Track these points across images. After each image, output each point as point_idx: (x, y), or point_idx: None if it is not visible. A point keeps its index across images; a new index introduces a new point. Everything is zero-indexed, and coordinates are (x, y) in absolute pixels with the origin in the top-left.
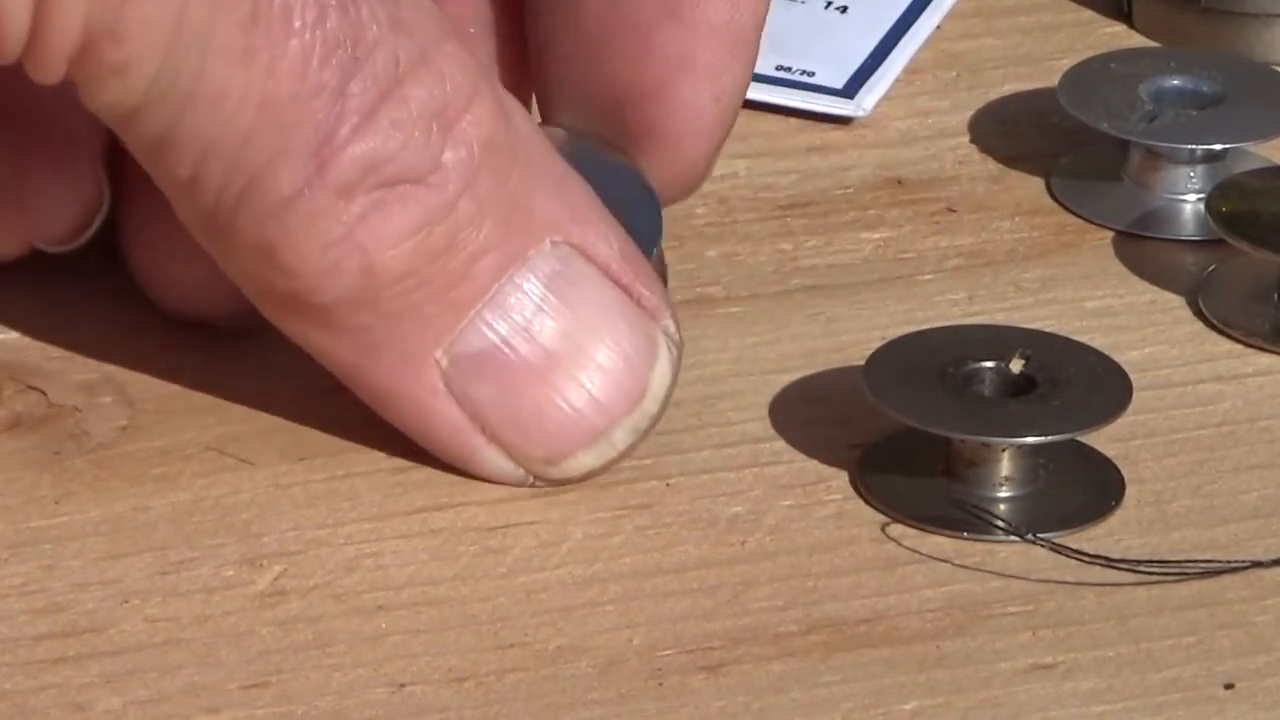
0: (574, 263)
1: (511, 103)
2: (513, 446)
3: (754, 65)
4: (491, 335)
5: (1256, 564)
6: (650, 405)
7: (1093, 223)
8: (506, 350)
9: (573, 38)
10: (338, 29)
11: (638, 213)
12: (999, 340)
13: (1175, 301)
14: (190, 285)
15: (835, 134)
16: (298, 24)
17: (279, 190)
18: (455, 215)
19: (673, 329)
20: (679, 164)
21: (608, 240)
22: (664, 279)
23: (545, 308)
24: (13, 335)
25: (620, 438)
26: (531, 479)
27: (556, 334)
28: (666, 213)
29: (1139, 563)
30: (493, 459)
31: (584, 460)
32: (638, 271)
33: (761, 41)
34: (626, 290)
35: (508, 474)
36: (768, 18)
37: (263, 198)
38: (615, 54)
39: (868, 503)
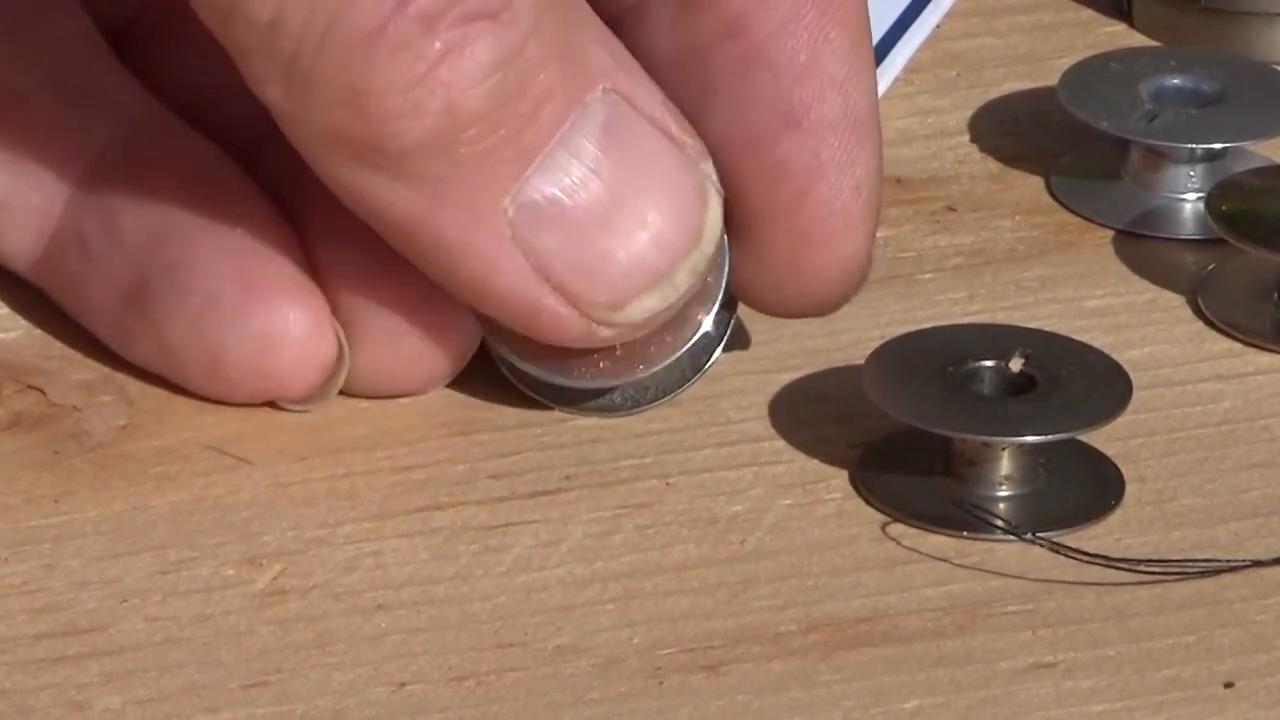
0: (624, 110)
1: None
2: (577, 294)
3: (881, 145)
4: (556, 183)
5: (1257, 563)
6: (707, 246)
7: (1093, 222)
8: (570, 198)
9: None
10: None
11: None
12: (999, 339)
13: (1175, 300)
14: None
15: None
16: None
17: (363, 24)
18: (525, 55)
19: (714, 174)
20: (838, 265)
21: (650, 91)
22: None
23: (604, 154)
24: (13, 335)
25: (681, 279)
26: (594, 328)
27: (616, 180)
28: None
29: (1139, 562)
30: (556, 308)
31: (647, 303)
32: (679, 120)
33: None
34: (671, 137)
35: (571, 324)
36: None
37: (346, 34)
38: (745, 173)
39: (868, 502)
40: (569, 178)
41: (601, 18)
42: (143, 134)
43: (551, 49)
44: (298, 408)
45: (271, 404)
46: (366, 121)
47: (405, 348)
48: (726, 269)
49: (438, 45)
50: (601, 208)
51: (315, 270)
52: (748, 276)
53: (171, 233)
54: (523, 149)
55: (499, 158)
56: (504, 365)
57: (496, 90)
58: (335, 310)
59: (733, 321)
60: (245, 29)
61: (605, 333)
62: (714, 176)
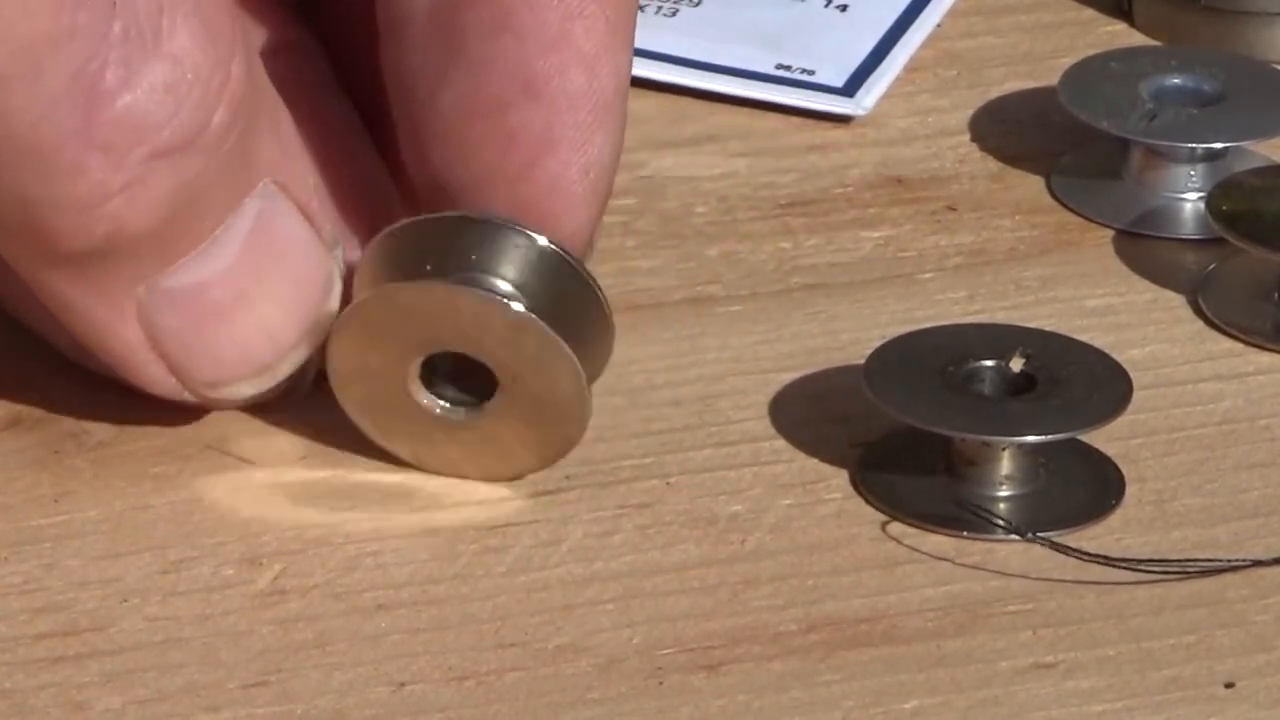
0: (276, 201)
1: (248, 44)
2: (181, 370)
3: (623, 129)
4: (193, 275)
5: (1257, 563)
6: (316, 338)
7: (1093, 221)
8: (203, 290)
9: (433, 123)
10: None
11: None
12: (999, 339)
13: (1176, 300)
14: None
15: (835, 133)
16: None
17: (41, 141)
18: (200, 179)
19: (342, 261)
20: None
21: (305, 176)
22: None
23: (244, 254)
24: (13, 335)
25: (283, 370)
26: (186, 396)
27: (250, 275)
28: (666, 214)
29: (1139, 561)
30: (157, 376)
31: (244, 389)
32: (324, 205)
33: (761, 40)
34: (313, 223)
35: (167, 389)
36: (768, 20)
37: (23, 148)
38: (477, 137)
39: (868, 502)
40: (205, 274)
41: None
42: None
43: (226, 164)
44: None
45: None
46: (27, 221)
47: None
48: None
49: (118, 180)
50: (226, 303)
51: None
52: None
53: None
54: (172, 253)
55: (147, 258)
56: None
57: (165, 214)
58: None
59: None
60: None
61: (195, 401)
62: (341, 264)
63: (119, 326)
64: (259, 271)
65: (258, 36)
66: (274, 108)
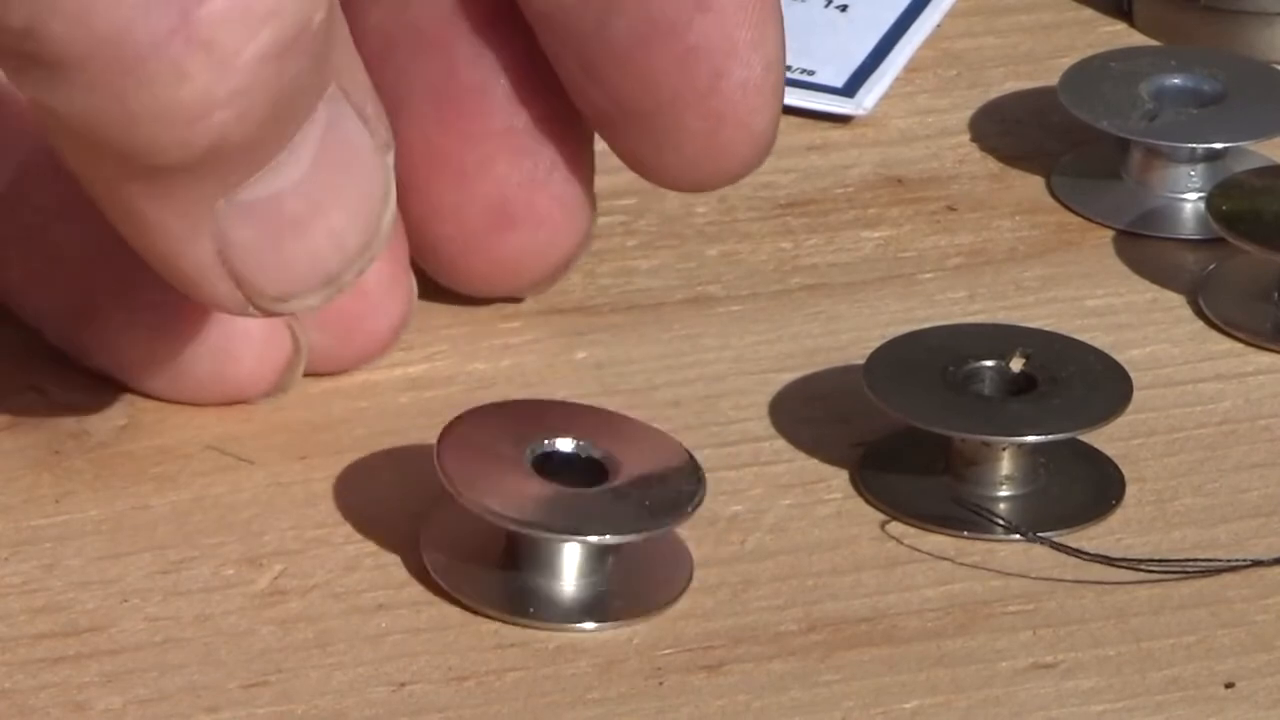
0: (339, 107)
1: None
2: (249, 284)
3: (784, 34)
4: (271, 186)
5: (1257, 563)
6: (377, 246)
7: (1093, 221)
8: (279, 200)
9: (607, 52)
10: None
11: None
12: (999, 339)
13: (1176, 300)
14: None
15: (835, 133)
16: None
17: (137, 42)
18: (297, 81)
19: (392, 165)
20: (751, 141)
21: (361, 80)
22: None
23: (317, 163)
24: (13, 335)
25: (347, 279)
26: (250, 309)
27: (321, 184)
28: (666, 214)
29: (1140, 561)
30: (225, 293)
31: (311, 299)
32: (375, 105)
33: None
34: (370, 129)
35: (232, 304)
36: None
37: (115, 50)
38: (659, 60)
39: (868, 501)
40: (281, 183)
41: None
42: None
43: (318, 68)
44: (265, 399)
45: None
46: (130, 142)
47: (339, 326)
48: None
49: (224, 88)
50: (301, 213)
51: None
52: (656, 160)
53: (113, 249)
54: (256, 161)
55: (233, 169)
56: None
57: (265, 124)
58: None
59: None
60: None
61: (257, 314)
62: (392, 167)
63: (192, 243)
64: (330, 179)
65: None
66: (334, 4)
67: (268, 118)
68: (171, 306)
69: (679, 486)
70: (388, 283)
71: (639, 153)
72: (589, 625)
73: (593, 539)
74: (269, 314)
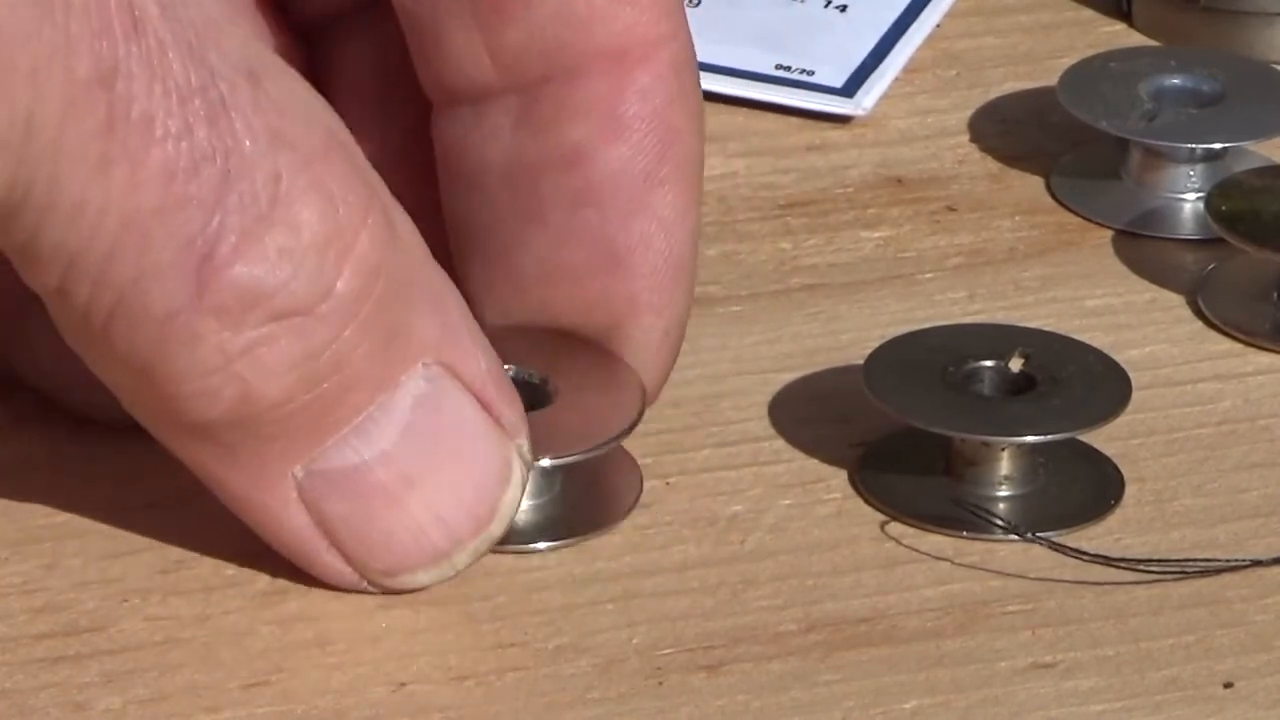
0: (442, 384)
1: (397, 214)
2: (354, 558)
3: (695, 282)
4: (351, 456)
5: (1256, 563)
6: (495, 529)
7: (1092, 221)
8: (364, 472)
9: (508, 279)
10: (206, 141)
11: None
12: (999, 339)
13: (1175, 300)
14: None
15: (835, 133)
16: (159, 133)
17: (153, 310)
18: (338, 347)
19: (526, 449)
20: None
21: (477, 361)
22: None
23: (406, 435)
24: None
25: (461, 560)
26: (366, 585)
27: (416, 459)
28: None
29: (1139, 561)
30: (332, 565)
31: (421, 578)
32: (501, 389)
33: (761, 40)
34: (489, 410)
35: (344, 579)
36: (767, 20)
37: (136, 315)
38: (558, 301)
39: (867, 502)
40: (365, 455)
41: (433, 105)
42: None
43: (369, 335)
44: None
45: None
46: (158, 395)
47: None
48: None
49: (240, 341)
50: (392, 488)
51: None
52: None
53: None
54: (322, 429)
55: (295, 435)
56: None
57: (300, 382)
58: None
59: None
60: (36, 286)
61: (375, 590)
62: (525, 452)
63: (281, 511)
64: (425, 455)
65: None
66: (436, 288)
67: (300, 381)
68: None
69: (618, 400)
70: None
71: None
72: (542, 545)
73: (544, 463)
74: (387, 591)
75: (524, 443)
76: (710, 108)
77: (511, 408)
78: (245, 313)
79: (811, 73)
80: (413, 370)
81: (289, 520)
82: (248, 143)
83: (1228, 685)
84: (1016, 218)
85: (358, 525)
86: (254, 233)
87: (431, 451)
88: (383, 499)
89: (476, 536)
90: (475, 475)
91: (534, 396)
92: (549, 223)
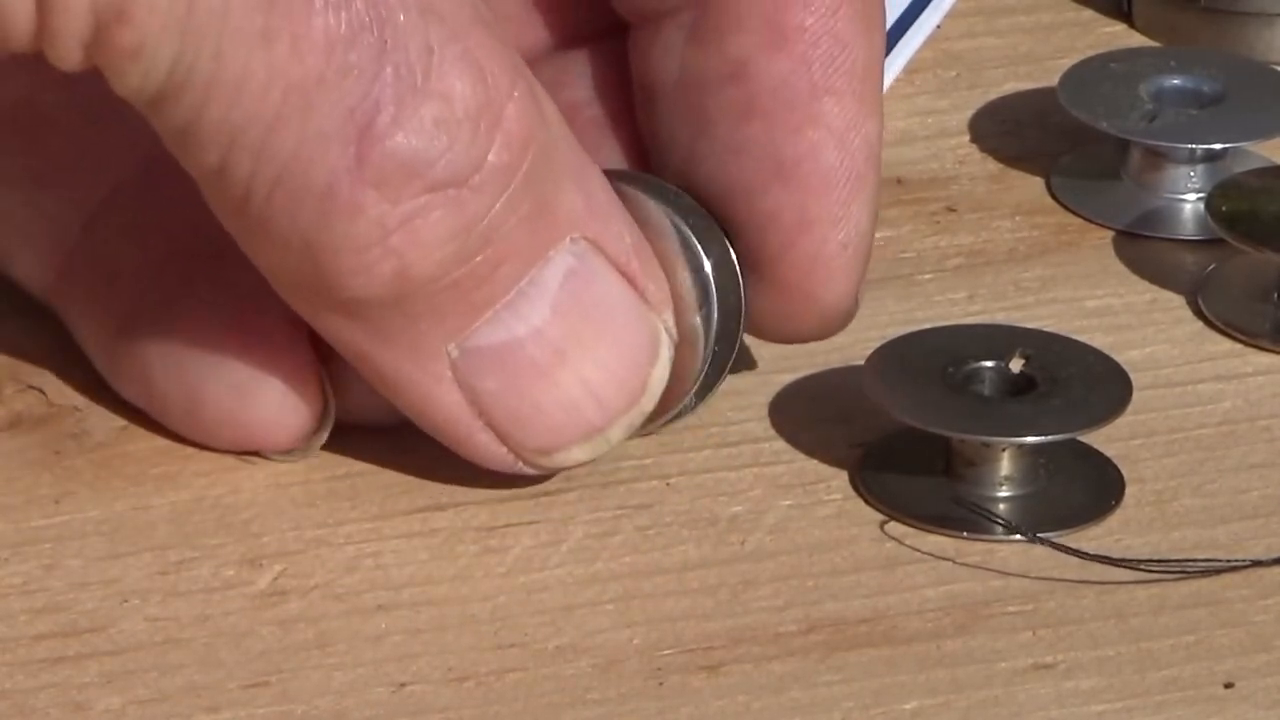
0: (589, 259)
1: (539, 89)
2: (509, 436)
3: (878, 191)
4: (504, 332)
5: (1257, 563)
6: (647, 403)
7: (1093, 222)
8: (516, 347)
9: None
10: (363, 11)
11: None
12: (999, 340)
13: (1175, 301)
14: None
15: None
16: (319, 3)
17: (313, 182)
18: (489, 220)
19: (672, 324)
20: (818, 314)
21: (621, 235)
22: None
23: (556, 310)
24: (13, 334)
25: (615, 434)
26: (521, 466)
27: (565, 336)
28: None
29: (1139, 561)
30: (487, 444)
31: (576, 454)
32: (646, 265)
33: None
34: (635, 285)
35: (499, 459)
36: None
37: (296, 190)
38: (732, 217)
39: (868, 502)
40: (517, 330)
41: (614, 25)
42: (161, 165)
43: (519, 208)
44: (280, 458)
45: (255, 453)
46: (317, 271)
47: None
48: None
49: (398, 213)
50: (545, 362)
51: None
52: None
53: (170, 270)
54: (473, 305)
55: (448, 311)
56: None
57: (454, 256)
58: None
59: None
60: (196, 169)
61: (531, 471)
62: (671, 326)
63: (434, 389)
64: (575, 330)
65: (573, 89)
66: (579, 163)
67: (454, 254)
68: (203, 338)
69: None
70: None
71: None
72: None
73: None
74: (540, 469)
75: (669, 317)
76: None
77: (656, 282)
78: (403, 184)
79: None
80: (561, 245)
81: (442, 398)
82: (401, 15)
83: (1228, 685)
84: (1017, 218)
85: (511, 401)
86: (410, 104)
87: (582, 325)
88: (535, 374)
89: (629, 411)
90: (625, 348)
91: None
92: (717, 137)
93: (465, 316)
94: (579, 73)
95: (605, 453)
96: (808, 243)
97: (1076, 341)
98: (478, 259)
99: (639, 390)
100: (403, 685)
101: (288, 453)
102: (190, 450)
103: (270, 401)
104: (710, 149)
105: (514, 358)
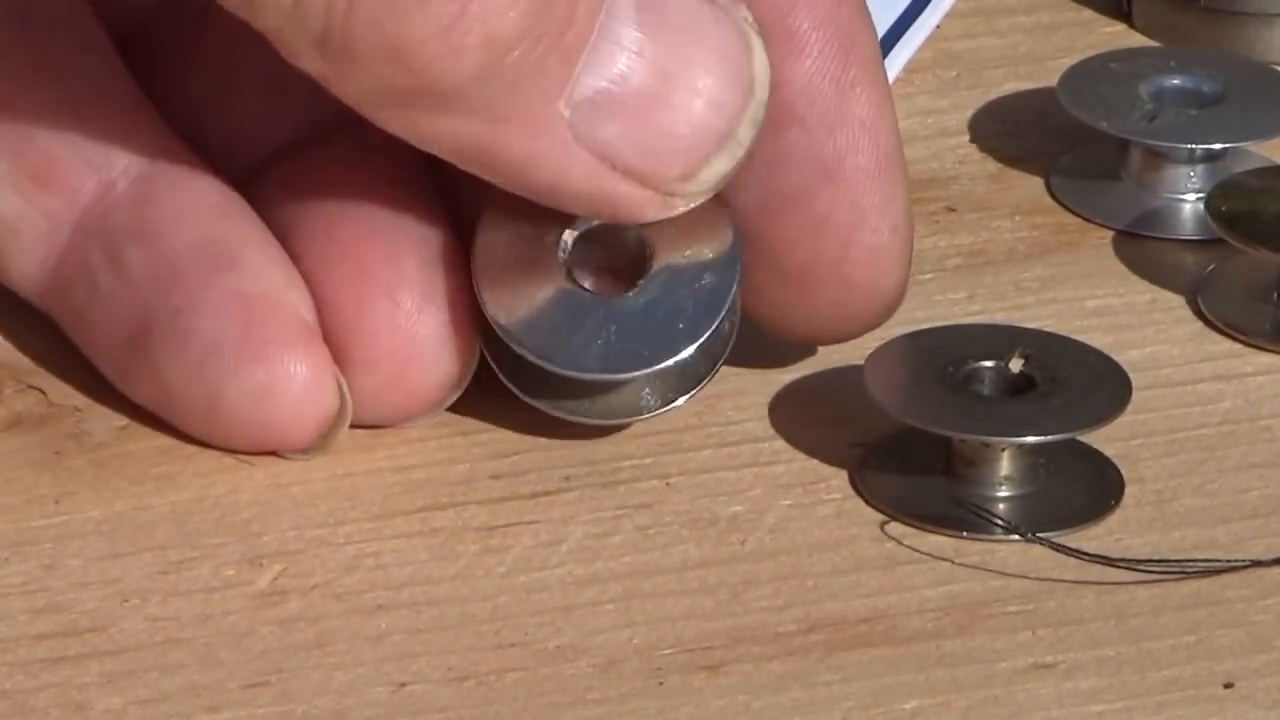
0: None
1: None
2: (648, 174)
3: (907, 174)
4: (604, 74)
5: (1257, 563)
6: (761, 93)
7: (1093, 222)
8: (620, 85)
9: (743, 225)
10: None
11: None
12: (999, 339)
13: (1175, 301)
14: None
15: None
16: None
17: None
18: None
19: (750, 18)
20: (880, 303)
21: None
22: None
23: (643, 33)
24: (14, 334)
25: (744, 133)
26: (671, 201)
27: (660, 55)
28: None
29: (1139, 562)
30: (631, 193)
31: (717, 166)
32: None
33: None
34: None
35: (648, 204)
36: None
37: None
38: (789, 230)
39: (868, 502)
40: (616, 66)
41: None
42: (156, 168)
43: None
44: (298, 456)
45: (273, 453)
46: (412, 73)
47: (406, 375)
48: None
49: None
50: (653, 86)
51: (313, 299)
52: (784, 321)
53: (177, 274)
54: (566, 52)
55: (545, 67)
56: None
57: (530, 6)
58: (332, 341)
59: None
60: (272, 13)
61: (682, 205)
62: (750, 19)
63: (564, 154)
64: (668, 45)
65: None
66: None
67: (530, 7)
68: (220, 341)
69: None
70: (441, 331)
71: (767, 314)
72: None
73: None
74: (691, 197)
75: (745, 12)
76: None
77: None
78: None
79: None
80: None
81: (574, 159)
82: None
83: (1228, 685)
84: (1016, 218)
85: (637, 136)
86: None
87: (672, 40)
88: (649, 100)
89: (747, 106)
90: (719, 49)
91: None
92: (756, 153)
93: (563, 66)
94: None
95: (742, 159)
96: (864, 236)
97: (1076, 341)
98: (554, 6)
99: (749, 84)
100: (403, 685)
101: (304, 451)
102: (190, 450)
103: (289, 402)
104: (750, 166)
105: (623, 92)
